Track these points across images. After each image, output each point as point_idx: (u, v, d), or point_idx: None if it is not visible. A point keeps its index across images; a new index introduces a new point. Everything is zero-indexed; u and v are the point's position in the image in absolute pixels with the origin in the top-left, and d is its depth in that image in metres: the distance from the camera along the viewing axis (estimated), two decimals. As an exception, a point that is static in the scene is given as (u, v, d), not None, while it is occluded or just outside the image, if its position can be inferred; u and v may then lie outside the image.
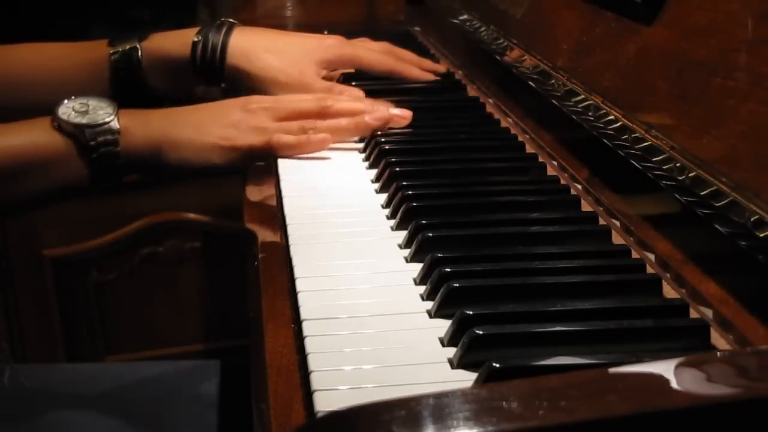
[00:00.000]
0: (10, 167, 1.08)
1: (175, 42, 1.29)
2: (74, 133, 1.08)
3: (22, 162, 1.08)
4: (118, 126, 1.09)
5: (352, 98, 1.25)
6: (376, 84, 1.38)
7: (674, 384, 0.50)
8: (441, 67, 1.48)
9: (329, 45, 1.34)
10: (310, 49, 1.31)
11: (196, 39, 1.27)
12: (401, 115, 1.21)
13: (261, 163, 1.17)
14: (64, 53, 1.29)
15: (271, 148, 1.14)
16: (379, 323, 0.76)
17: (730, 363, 0.53)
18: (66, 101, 1.11)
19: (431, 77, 1.40)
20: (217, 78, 1.28)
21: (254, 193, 1.10)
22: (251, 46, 1.28)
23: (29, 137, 1.10)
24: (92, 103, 1.10)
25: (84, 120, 1.09)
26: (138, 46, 1.26)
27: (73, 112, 1.09)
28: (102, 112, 1.10)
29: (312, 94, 1.23)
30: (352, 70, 1.40)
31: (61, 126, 1.09)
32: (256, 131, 1.14)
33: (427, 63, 1.45)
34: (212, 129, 1.13)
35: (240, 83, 1.27)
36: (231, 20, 1.30)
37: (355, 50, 1.36)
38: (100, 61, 1.27)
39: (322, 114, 1.18)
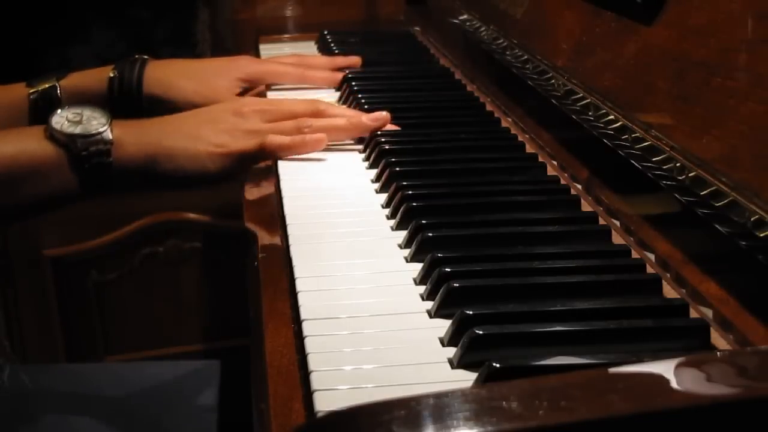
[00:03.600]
0: (1, 176, 1.07)
1: (93, 79, 1.32)
2: (67, 142, 1.07)
3: (14, 171, 1.07)
4: (111, 137, 1.08)
5: (343, 107, 1.26)
6: (375, 84, 1.38)
7: (674, 384, 0.50)
8: (355, 60, 1.53)
9: (239, 65, 1.40)
10: (220, 70, 1.38)
11: (112, 75, 1.31)
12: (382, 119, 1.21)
13: (261, 165, 1.17)
14: None
15: (265, 149, 1.13)
16: (379, 323, 0.76)
17: (730, 363, 0.53)
18: (59, 111, 1.10)
19: (338, 78, 1.45)
20: (134, 110, 1.29)
21: (254, 193, 1.10)
22: (166, 75, 1.34)
23: (22, 146, 1.09)
24: (86, 113, 1.10)
25: (77, 130, 1.08)
26: (56, 84, 1.28)
27: (66, 122, 1.08)
28: (95, 123, 1.09)
29: (306, 100, 1.23)
30: (263, 87, 1.44)
31: (53, 135, 1.08)
32: (250, 134, 1.13)
33: (339, 60, 1.53)
34: (206, 136, 1.12)
35: (158, 112, 1.27)
36: (144, 56, 1.34)
37: (263, 66, 1.44)
38: (18, 102, 1.27)
39: (316, 116, 1.18)
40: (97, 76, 1.33)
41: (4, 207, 1.10)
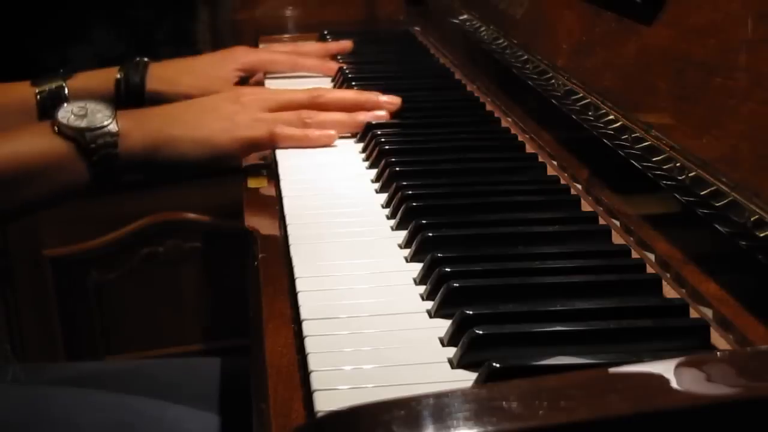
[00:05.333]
0: (13, 173, 1.08)
1: (100, 80, 1.38)
2: (74, 136, 1.09)
3: (25, 168, 1.09)
4: (116, 128, 1.10)
5: (342, 90, 1.30)
6: (375, 84, 1.38)
7: (674, 384, 0.50)
8: (346, 44, 1.59)
9: (235, 55, 1.46)
10: (217, 62, 1.44)
11: (119, 76, 1.37)
12: (390, 101, 1.26)
13: (261, 162, 1.17)
14: None
15: (274, 138, 1.16)
16: (379, 323, 0.76)
17: (730, 363, 0.53)
18: (65, 105, 1.12)
19: (333, 67, 1.51)
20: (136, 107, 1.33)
21: (254, 193, 1.10)
22: (167, 72, 1.40)
23: (31, 143, 1.11)
24: (90, 106, 1.11)
25: (83, 123, 1.10)
26: (64, 84, 1.31)
27: (72, 116, 1.10)
28: (100, 115, 1.11)
29: (305, 89, 1.26)
30: (261, 76, 1.50)
31: (61, 130, 1.09)
32: (254, 122, 1.16)
33: (332, 46, 1.60)
34: (208, 123, 1.15)
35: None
36: (145, 59, 1.39)
37: (258, 55, 1.50)
38: (26, 101, 1.30)
39: (315, 105, 1.22)
40: (104, 77, 1.37)
41: (18, 203, 1.11)
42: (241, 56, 1.46)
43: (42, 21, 2.13)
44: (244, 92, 1.22)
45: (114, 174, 1.11)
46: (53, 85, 1.31)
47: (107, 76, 1.37)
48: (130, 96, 1.36)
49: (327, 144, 1.19)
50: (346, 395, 0.66)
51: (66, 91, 1.31)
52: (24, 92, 1.31)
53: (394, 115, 1.25)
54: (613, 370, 0.52)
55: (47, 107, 1.29)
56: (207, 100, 1.21)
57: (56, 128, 1.10)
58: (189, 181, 2.01)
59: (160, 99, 1.35)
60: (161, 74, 1.39)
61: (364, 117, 1.23)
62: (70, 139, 1.09)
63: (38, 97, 1.30)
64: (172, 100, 1.32)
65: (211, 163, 1.15)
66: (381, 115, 1.24)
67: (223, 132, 1.14)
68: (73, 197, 1.15)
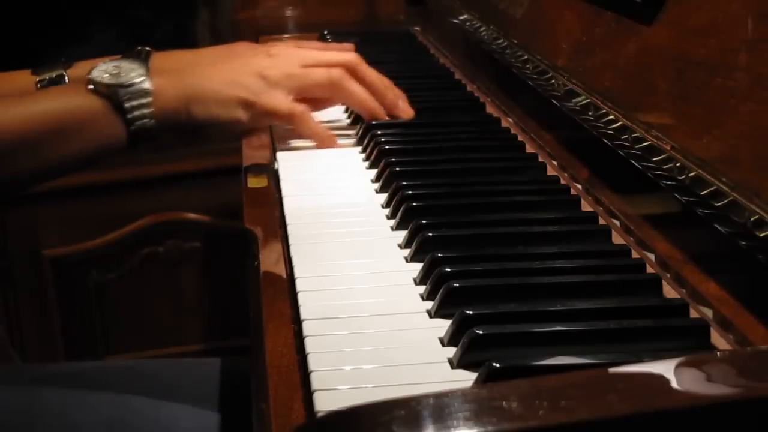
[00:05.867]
0: (49, 131, 1.10)
1: None
2: (109, 94, 1.11)
3: (60, 125, 1.10)
4: (150, 86, 1.12)
5: (374, 71, 1.29)
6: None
7: (674, 384, 0.50)
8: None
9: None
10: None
11: None
12: (406, 110, 1.26)
13: (261, 162, 1.17)
14: None
15: (292, 119, 1.17)
16: (379, 323, 0.76)
17: (730, 363, 0.53)
18: (100, 64, 1.14)
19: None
20: None
21: (254, 193, 1.10)
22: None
23: (66, 101, 1.12)
24: (124, 64, 1.14)
25: (118, 80, 1.12)
26: (64, 73, 1.30)
27: (106, 75, 1.12)
28: (134, 74, 1.12)
29: (344, 52, 1.27)
30: None
31: (96, 88, 1.11)
32: (286, 78, 1.17)
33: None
34: (240, 80, 1.16)
35: None
36: (147, 48, 1.37)
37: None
38: (26, 90, 1.29)
39: (351, 72, 1.22)
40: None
41: (56, 161, 1.13)
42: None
43: (42, 21, 2.13)
44: (278, 52, 1.22)
45: (150, 131, 1.13)
46: (54, 74, 1.30)
47: None
48: None
49: (331, 146, 1.20)
50: (346, 395, 0.66)
51: (66, 80, 1.30)
52: (24, 81, 1.30)
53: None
54: (613, 370, 0.52)
55: None
56: (240, 59, 1.21)
57: (91, 86, 1.11)
58: (189, 181, 2.01)
59: None
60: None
61: (382, 115, 1.23)
62: (105, 97, 1.11)
63: (38, 86, 1.30)
64: None
65: (235, 126, 1.16)
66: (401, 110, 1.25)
67: (252, 94, 1.15)
68: (109, 155, 1.16)
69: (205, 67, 1.20)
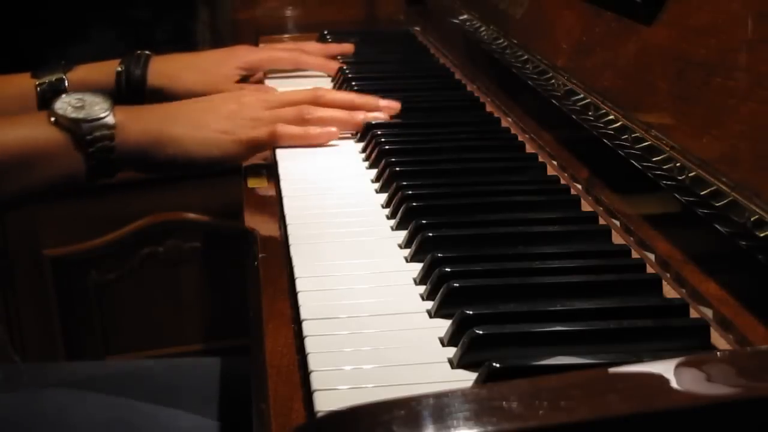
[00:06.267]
0: (8, 161, 1.08)
1: (101, 73, 1.37)
2: (71, 127, 1.09)
3: (21, 156, 1.09)
4: (113, 121, 1.10)
5: (342, 92, 1.30)
6: (375, 84, 1.38)
7: (674, 384, 0.50)
8: (347, 47, 1.60)
9: (238, 54, 1.47)
10: (220, 60, 1.44)
11: (119, 69, 1.37)
12: (389, 105, 1.26)
13: (261, 162, 1.17)
14: None
15: (274, 137, 1.16)
16: (379, 323, 0.76)
17: (730, 363, 0.53)
18: (63, 96, 1.12)
19: (334, 66, 1.52)
20: (138, 104, 1.33)
21: (254, 193, 1.10)
22: (168, 68, 1.39)
23: (27, 131, 1.11)
24: (87, 98, 1.12)
25: (80, 114, 1.10)
26: (64, 77, 1.31)
27: (69, 107, 1.10)
28: (97, 108, 1.11)
29: (305, 89, 1.26)
30: (261, 75, 1.50)
31: (58, 120, 1.10)
32: (254, 121, 1.16)
33: (333, 47, 1.61)
34: (208, 122, 1.15)
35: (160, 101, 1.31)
36: (146, 52, 1.39)
37: (260, 53, 1.51)
38: (26, 92, 1.30)
39: (315, 104, 1.22)
40: (105, 70, 1.37)
41: (13, 192, 1.11)
42: (244, 55, 1.47)
43: (42, 20, 2.13)
44: (244, 92, 1.22)
45: (110, 166, 1.11)
46: (53, 78, 1.31)
47: (108, 69, 1.37)
48: (130, 89, 1.36)
49: (328, 141, 1.20)
50: (346, 395, 0.66)
51: (66, 84, 1.31)
52: (24, 84, 1.31)
53: (394, 114, 1.25)
54: (613, 370, 0.52)
55: (47, 99, 1.28)
56: (207, 99, 1.21)
57: (53, 119, 1.10)
58: (186, 180, 2.01)
59: (160, 94, 1.35)
60: (163, 69, 1.39)
61: (363, 117, 1.23)
62: (67, 130, 1.09)
63: (38, 89, 1.30)
64: (173, 94, 1.33)
65: (209, 162, 1.15)
66: (379, 116, 1.24)
67: (223, 132, 1.14)
68: (70, 188, 1.15)
69: (174, 106, 1.19)
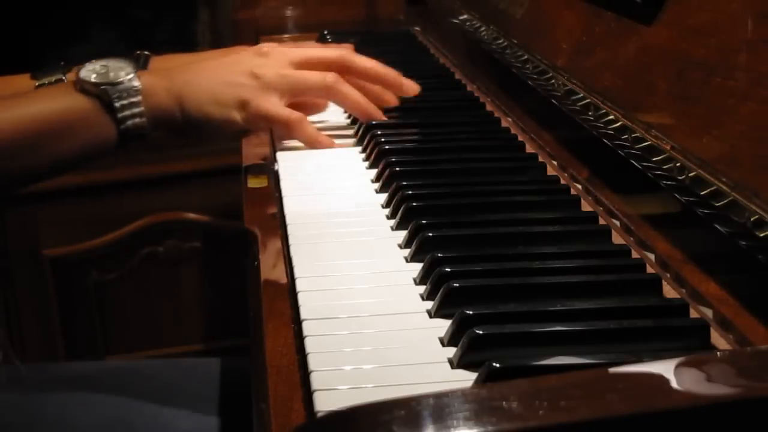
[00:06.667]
0: (41, 132, 1.10)
1: None
2: (98, 93, 1.11)
3: (53, 126, 1.10)
4: (139, 83, 1.12)
5: (369, 60, 1.28)
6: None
7: (674, 384, 0.50)
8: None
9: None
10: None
11: None
12: (410, 86, 1.27)
13: (261, 162, 1.17)
14: None
15: (288, 125, 1.16)
16: (379, 323, 0.76)
17: (730, 363, 0.53)
18: (87, 64, 1.13)
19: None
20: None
21: (254, 193, 1.10)
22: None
23: (56, 102, 1.12)
24: (112, 63, 1.13)
25: (107, 80, 1.11)
26: (64, 78, 1.30)
27: (94, 74, 1.12)
28: (122, 72, 1.12)
29: (334, 48, 1.26)
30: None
31: (84, 87, 1.11)
32: (280, 78, 1.15)
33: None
34: (233, 78, 1.15)
35: None
36: (146, 52, 1.37)
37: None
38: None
39: (342, 68, 1.21)
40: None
41: (46, 162, 1.12)
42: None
43: (42, 21, 2.13)
44: (269, 52, 1.20)
45: (140, 130, 1.12)
46: (53, 79, 1.30)
47: None
48: None
49: (326, 146, 1.19)
50: (346, 395, 0.66)
51: None
52: (23, 85, 1.30)
53: (394, 116, 1.25)
54: (613, 370, 0.52)
55: None
56: (231, 57, 1.20)
57: (79, 86, 1.11)
58: (189, 181, 2.01)
59: None
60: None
61: (379, 115, 1.22)
62: (95, 96, 1.11)
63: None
64: None
65: (230, 126, 1.15)
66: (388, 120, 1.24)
67: (245, 92, 1.14)
68: (102, 155, 1.15)
69: (197, 64, 1.19)
